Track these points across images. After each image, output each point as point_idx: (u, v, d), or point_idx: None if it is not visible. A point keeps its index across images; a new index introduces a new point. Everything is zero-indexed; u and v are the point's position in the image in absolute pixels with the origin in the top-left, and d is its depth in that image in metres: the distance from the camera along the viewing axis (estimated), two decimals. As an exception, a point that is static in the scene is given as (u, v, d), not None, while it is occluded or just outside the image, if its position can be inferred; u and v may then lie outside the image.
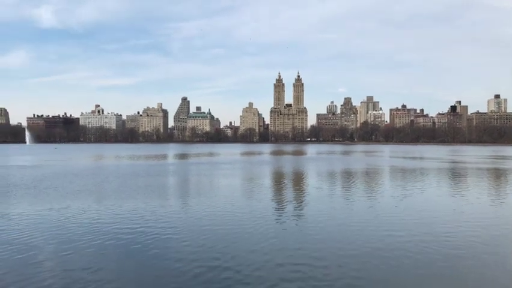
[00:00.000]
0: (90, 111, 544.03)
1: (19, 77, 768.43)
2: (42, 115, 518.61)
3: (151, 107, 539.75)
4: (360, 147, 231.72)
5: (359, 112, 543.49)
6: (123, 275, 13.66)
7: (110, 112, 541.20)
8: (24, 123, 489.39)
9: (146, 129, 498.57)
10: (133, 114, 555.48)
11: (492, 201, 30.63)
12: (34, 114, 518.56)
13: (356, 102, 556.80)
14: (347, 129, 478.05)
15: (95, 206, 26.79)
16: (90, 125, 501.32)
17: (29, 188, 36.83)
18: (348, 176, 52.42)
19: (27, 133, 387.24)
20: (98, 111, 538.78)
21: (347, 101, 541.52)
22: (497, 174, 55.85)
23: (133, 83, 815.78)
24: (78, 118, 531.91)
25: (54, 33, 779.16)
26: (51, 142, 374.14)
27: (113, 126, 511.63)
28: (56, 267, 14.32)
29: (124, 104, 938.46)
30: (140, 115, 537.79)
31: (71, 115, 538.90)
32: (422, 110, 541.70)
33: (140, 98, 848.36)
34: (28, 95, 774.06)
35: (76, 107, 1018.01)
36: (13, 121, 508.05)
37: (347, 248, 16.60)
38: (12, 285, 12.62)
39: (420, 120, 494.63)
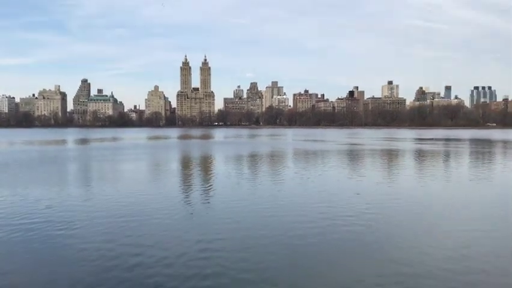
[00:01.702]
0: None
1: None
2: None
3: (47, 89, 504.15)
4: (265, 131, 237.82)
5: (264, 97, 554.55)
6: (16, 270, 12.93)
7: (1, 94, 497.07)
8: None
9: (43, 113, 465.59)
10: (27, 96, 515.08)
11: (387, 180, 33.41)
12: None
13: (261, 87, 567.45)
14: (253, 113, 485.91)
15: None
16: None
17: None
18: (254, 159, 53.80)
19: None
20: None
21: (253, 86, 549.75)
22: (391, 155, 60.74)
23: (28, 63, 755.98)
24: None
25: None
26: None
27: (5, 110, 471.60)
28: None
29: (17, 85, 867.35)
30: (36, 98, 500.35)
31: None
32: (323, 95, 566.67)
33: (35, 80, 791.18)
34: None
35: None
36: None
37: (251, 234, 16.90)
38: None
39: (321, 104, 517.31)
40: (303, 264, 13.43)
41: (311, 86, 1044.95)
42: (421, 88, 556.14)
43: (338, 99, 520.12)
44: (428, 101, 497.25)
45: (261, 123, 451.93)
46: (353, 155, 60.56)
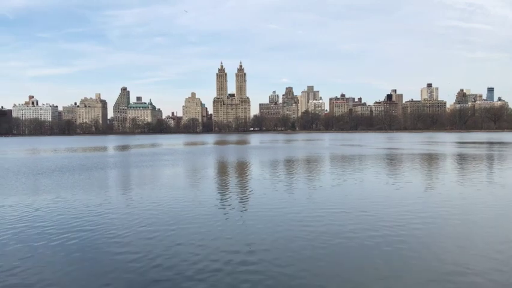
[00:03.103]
0: (23, 102, 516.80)
1: None
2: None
3: (88, 98, 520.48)
4: (301, 136, 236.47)
5: (300, 101, 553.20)
6: (53, 272, 13.14)
7: (45, 103, 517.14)
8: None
9: (84, 121, 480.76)
10: (69, 105, 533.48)
11: (432, 185, 32.41)
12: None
13: (297, 92, 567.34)
14: (288, 118, 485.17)
15: (31, 201, 25.63)
16: (24, 117, 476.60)
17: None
18: (290, 164, 53.44)
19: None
20: (32, 103, 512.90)
21: (289, 91, 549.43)
22: (433, 159, 59.03)
23: (70, 73, 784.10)
24: (10, 110, 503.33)
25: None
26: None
27: (49, 118, 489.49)
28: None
29: (60, 94, 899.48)
30: (78, 106, 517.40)
31: (2, 107, 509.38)
32: (360, 99, 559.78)
33: (77, 89, 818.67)
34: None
35: (8, 99, 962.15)
36: None
37: (291, 244, 16.52)
38: None
39: (359, 108, 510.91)
40: (348, 278, 13.06)
41: (348, 90, 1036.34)
42: (462, 90, 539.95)
43: (376, 102, 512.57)
44: (469, 103, 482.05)
45: (297, 128, 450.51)
46: (393, 160, 59.21)
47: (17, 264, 13.71)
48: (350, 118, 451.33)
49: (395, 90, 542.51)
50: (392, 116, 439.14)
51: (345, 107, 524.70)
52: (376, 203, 23.86)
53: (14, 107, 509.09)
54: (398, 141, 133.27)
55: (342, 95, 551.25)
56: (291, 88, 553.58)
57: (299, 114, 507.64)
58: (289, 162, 55.90)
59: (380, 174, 39.24)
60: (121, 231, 17.81)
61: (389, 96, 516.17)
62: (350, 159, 60.02)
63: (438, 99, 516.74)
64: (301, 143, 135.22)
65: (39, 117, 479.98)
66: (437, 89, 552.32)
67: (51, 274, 12.95)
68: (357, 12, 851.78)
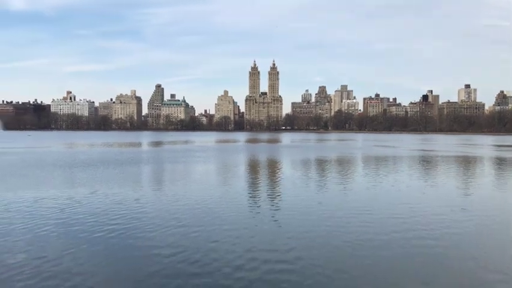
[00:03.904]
0: (61, 97, 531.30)
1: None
2: (11, 101, 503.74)
3: (124, 94, 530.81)
4: (334, 136, 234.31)
5: (333, 101, 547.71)
6: (94, 265, 13.51)
7: (82, 99, 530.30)
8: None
9: (120, 117, 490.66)
10: (106, 101, 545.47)
11: (464, 190, 31.64)
12: (3, 101, 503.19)
13: (330, 91, 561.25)
14: (321, 117, 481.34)
15: (71, 194, 26.42)
16: (61, 112, 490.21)
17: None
18: (322, 164, 53.14)
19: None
20: (70, 98, 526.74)
21: (322, 90, 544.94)
22: (469, 162, 57.49)
23: (106, 69, 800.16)
24: (49, 105, 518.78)
25: (24, 17, 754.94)
26: (21, 129, 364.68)
27: (86, 114, 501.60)
28: (26, 256, 14.09)
29: (96, 90, 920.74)
30: (113, 102, 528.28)
31: (41, 102, 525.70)
32: (394, 99, 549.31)
33: (113, 85, 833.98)
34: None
35: (47, 94, 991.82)
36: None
37: (320, 241, 16.59)
38: None
39: (393, 109, 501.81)
40: (386, 280, 12.92)
41: (382, 90, 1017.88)
42: (502, 92, 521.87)
43: (411, 103, 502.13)
44: (510, 105, 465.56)
45: (330, 128, 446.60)
46: (428, 162, 57.98)
47: (59, 256, 14.08)
48: (384, 118, 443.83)
49: (431, 90, 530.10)
50: (428, 117, 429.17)
51: (380, 107, 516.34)
52: (410, 205, 23.45)
53: (52, 102, 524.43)
54: (433, 143, 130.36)
55: (377, 95, 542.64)
56: (324, 87, 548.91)
57: (332, 113, 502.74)
58: (321, 162, 55.58)
59: (413, 177, 38.52)
60: (156, 227, 18.12)
61: (425, 97, 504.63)
62: (384, 161, 59.15)
63: (477, 100, 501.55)
64: (334, 142, 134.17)
65: (77, 113, 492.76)
66: (475, 90, 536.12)
67: (91, 267, 13.34)
68: (393, 11, 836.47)
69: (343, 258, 14.18)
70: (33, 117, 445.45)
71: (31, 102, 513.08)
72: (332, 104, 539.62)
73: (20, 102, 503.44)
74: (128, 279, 12.28)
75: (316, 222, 19.34)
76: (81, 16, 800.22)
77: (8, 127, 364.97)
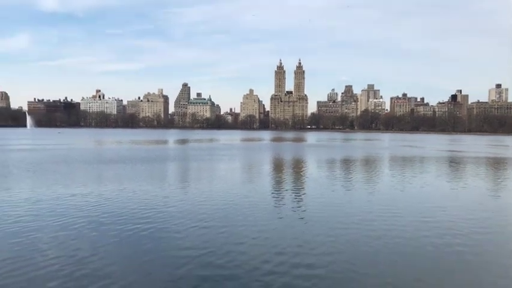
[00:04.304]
0: (91, 96, 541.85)
1: (20, 61, 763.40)
2: (43, 99, 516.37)
3: (151, 93, 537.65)
4: (360, 135, 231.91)
5: (359, 100, 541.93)
6: (124, 264, 13.74)
7: (111, 97, 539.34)
8: (25, 108, 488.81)
9: (147, 115, 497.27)
10: (133, 99, 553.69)
11: (491, 191, 30.91)
12: (35, 99, 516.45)
13: (356, 90, 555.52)
14: (347, 117, 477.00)
15: (99, 191, 26.96)
16: (91, 110, 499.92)
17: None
18: (347, 164, 52.70)
19: (28, 117, 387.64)
20: (99, 96, 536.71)
21: (348, 89, 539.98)
22: (500, 164, 56.08)
23: (135, 69, 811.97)
24: (79, 103, 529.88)
25: (57, 16, 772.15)
26: (51, 126, 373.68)
27: (114, 112, 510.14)
28: (57, 254, 14.43)
29: (125, 89, 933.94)
30: (141, 100, 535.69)
31: (72, 100, 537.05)
32: (422, 99, 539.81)
33: (141, 84, 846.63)
34: (29, 79, 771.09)
35: (76, 92, 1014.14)
36: (14, 105, 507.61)
37: (348, 244, 16.50)
38: (14, 271, 12.74)
39: (421, 109, 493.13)
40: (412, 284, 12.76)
41: (410, 89, 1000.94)
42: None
43: (439, 103, 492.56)
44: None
45: (356, 127, 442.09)
46: (457, 163, 56.82)
47: (90, 254, 14.32)
48: (411, 118, 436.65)
49: (460, 90, 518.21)
50: (456, 118, 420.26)
51: (407, 106, 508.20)
52: (440, 208, 23.05)
53: (82, 100, 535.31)
54: (462, 144, 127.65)
55: (404, 95, 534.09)
56: (351, 86, 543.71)
57: (358, 113, 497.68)
58: (348, 162, 55.12)
59: (442, 178, 37.83)
60: (184, 226, 18.23)
61: (454, 97, 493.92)
62: (411, 161, 58.27)
63: (508, 100, 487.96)
64: (360, 142, 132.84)
65: (105, 110, 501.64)
66: (506, 89, 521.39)
67: (122, 267, 13.60)
68: (423, 9, 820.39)
69: (373, 263, 13.95)
70: (63, 114, 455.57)
71: (62, 100, 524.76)
72: (358, 103, 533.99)
73: (51, 100, 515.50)
74: (159, 279, 12.26)
75: (344, 224, 19.12)
76: (111, 16, 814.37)
77: (39, 124, 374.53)
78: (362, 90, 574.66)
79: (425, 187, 31.62)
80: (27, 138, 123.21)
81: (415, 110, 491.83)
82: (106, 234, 16.56)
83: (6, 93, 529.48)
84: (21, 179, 32.54)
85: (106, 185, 29.59)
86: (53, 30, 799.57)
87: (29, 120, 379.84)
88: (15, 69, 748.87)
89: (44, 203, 22.70)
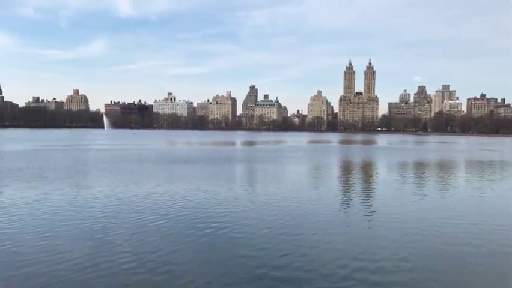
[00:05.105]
0: (163, 98, 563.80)
1: (98, 65, 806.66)
2: (118, 102, 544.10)
3: (220, 95, 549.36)
4: (433, 138, 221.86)
5: (433, 101, 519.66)
6: (200, 263, 14.00)
7: (181, 100, 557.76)
8: (102, 110, 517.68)
9: (216, 117, 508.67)
10: (203, 102, 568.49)
11: None
12: (111, 101, 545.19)
13: (430, 91, 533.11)
14: (420, 119, 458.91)
15: (174, 190, 27.79)
16: (163, 112, 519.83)
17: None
18: (420, 168, 50.56)
19: (105, 119, 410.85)
20: (171, 99, 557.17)
21: (421, 90, 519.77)
22: None
23: (204, 71, 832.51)
24: (152, 105, 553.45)
25: (132, 22, 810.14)
26: (126, 128, 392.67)
27: (184, 114, 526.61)
28: (135, 247, 15.04)
29: (194, 92, 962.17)
30: (210, 103, 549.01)
31: (145, 102, 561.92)
32: (503, 100, 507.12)
33: (210, 86, 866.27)
34: (106, 82, 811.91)
35: (149, 95, 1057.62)
36: (92, 107, 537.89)
37: (418, 253, 15.79)
38: (95, 266, 13.33)
39: (501, 110, 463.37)
40: None
41: (489, 90, 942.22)
42: None
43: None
44: None
45: (429, 130, 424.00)
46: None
47: (167, 252, 14.65)
48: (490, 120, 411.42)
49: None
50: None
51: (485, 108, 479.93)
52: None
53: (154, 102, 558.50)
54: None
55: (482, 95, 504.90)
56: (424, 87, 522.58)
57: (432, 115, 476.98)
58: (420, 165, 52.88)
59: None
60: (254, 228, 18.31)
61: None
62: (490, 166, 54.83)
63: None
64: (434, 145, 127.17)
65: (176, 113, 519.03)
66: None
67: (198, 266, 13.91)
68: (501, 6, 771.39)
69: (445, 274, 13.27)
70: (137, 116, 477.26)
71: (136, 103, 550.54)
72: (432, 104, 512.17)
73: (126, 103, 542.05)
74: (236, 280, 12.27)
75: (414, 230, 18.24)
76: (183, 20, 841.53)
77: (115, 125, 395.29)
78: (436, 91, 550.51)
79: (507, 194, 29.55)
80: (105, 139, 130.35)
81: (495, 112, 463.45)
82: (183, 233, 16.88)
83: (85, 96, 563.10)
84: (100, 177, 34.37)
85: (179, 185, 30.48)
86: (128, 36, 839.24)
87: (106, 121, 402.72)
88: (93, 73, 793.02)
89: (122, 201, 23.76)
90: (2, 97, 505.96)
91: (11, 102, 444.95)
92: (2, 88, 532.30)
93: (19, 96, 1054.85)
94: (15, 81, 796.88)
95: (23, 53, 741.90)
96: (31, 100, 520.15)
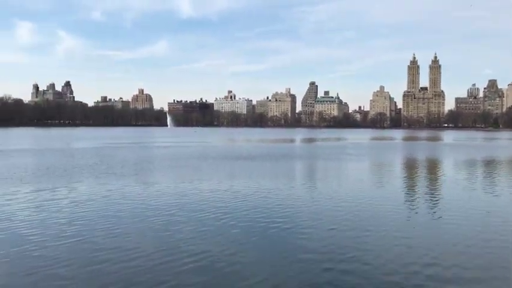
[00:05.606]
0: (223, 96, 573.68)
1: (161, 65, 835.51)
2: (181, 100, 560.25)
3: (279, 92, 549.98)
4: (506, 135, 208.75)
5: (505, 95, 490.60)
6: (255, 260, 13.93)
7: (241, 97, 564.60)
8: (166, 108, 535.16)
9: (275, 114, 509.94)
10: (262, 99, 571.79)
11: None
12: (174, 100, 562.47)
13: (502, 85, 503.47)
14: (490, 114, 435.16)
15: (236, 188, 27.93)
16: (223, 110, 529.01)
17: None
18: (491, 166, 47.73)
19: (168, 117, 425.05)
20: (231, 97, 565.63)
21: (492, 84, 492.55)
22: None
23: (263, 69, 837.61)
24: (212, 103, 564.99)
25: (193, 22, 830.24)
26: (188, 125, 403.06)
27: (244, 111, 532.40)
28: (201, 245, 15.19)
29: (254, 89, 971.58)
30: (269, 100, 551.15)
31: (206, 100, 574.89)
32: None
33: (269, 83, 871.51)
34: (169, 81, 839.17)
35: (210, 93, 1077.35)
36: (156, 106, 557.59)
37: (488, 258, 14.80)
38: (161, 265, 13.59)
39: None
40: None
41: None
42: None
43: None
44: None
45: (500, 126, 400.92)
46: None
47: (234, 250, 14.66)
48: None
49: None
50: None
51: None
52: None
53: (215, 100, 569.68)
54: None
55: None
56: (495, 81, 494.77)
57: (504, 110, 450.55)
58: (491, 163, 49.87)
59: None
60: (311, 228, 17.87)
61: None
62: None
63: None
64: (505, 141, 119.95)
65: (236, 110, 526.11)
66: None
67: (256, 267, 13.85)
68: None
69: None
70: (198, 114, 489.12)
71: (197, 101, 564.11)
72: (504, 99, 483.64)
73: (188, 101, 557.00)
74: (301, 284, 11.91)
75: (483, 235, 16.86)
76: (242, 19, 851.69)
77: (178, 123, 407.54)
78: (509, 85, 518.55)
79: None
80: (169, 136, 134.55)
81: None
82: (247, 232, 16.71)
83: (150, 96, 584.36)
84: (165, 174, 35.23)
85: (241, 182, 30.54)
86: (189, 36, 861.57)
87: (169, 119, 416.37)
88: (157, 73, 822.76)
89: (187, 197, 24.09)
90: (73, 97, 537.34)
91: (81, 102, 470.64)
92: (72, 88, 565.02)
93: (88, 96, 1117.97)
94: (84, 82, 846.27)
95: (91, 55, 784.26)
96: (99, 100, 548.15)
